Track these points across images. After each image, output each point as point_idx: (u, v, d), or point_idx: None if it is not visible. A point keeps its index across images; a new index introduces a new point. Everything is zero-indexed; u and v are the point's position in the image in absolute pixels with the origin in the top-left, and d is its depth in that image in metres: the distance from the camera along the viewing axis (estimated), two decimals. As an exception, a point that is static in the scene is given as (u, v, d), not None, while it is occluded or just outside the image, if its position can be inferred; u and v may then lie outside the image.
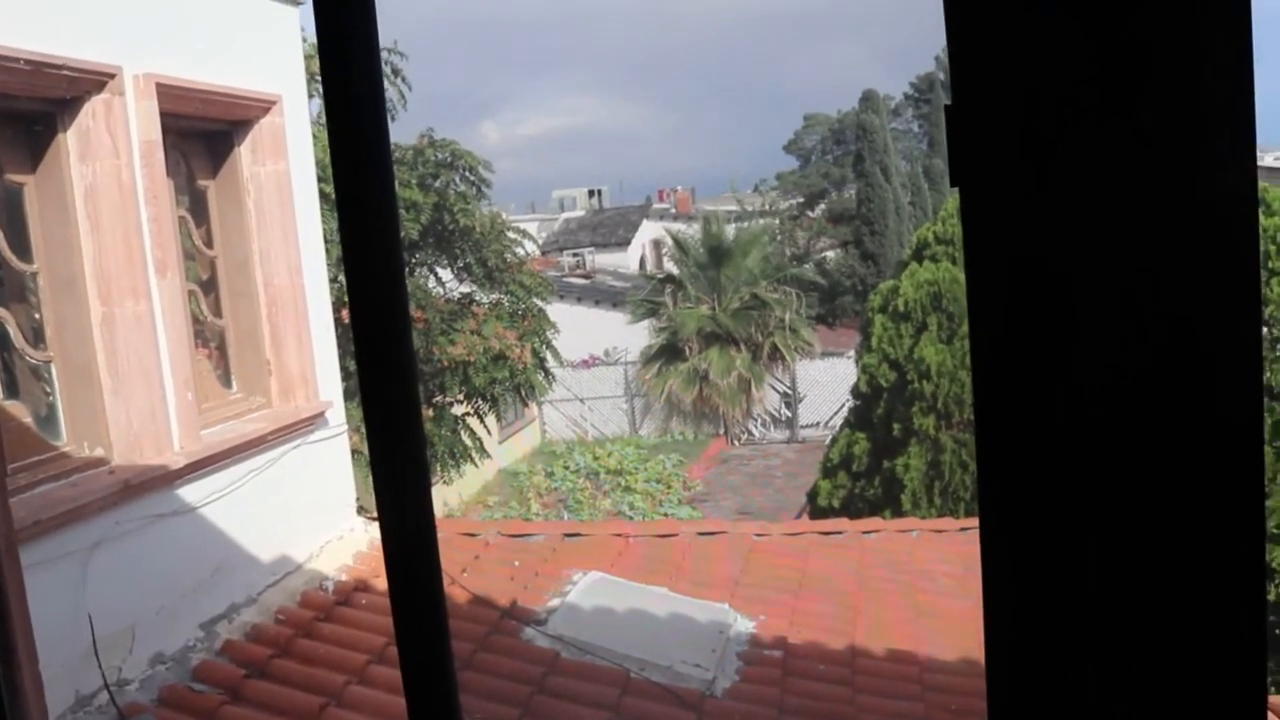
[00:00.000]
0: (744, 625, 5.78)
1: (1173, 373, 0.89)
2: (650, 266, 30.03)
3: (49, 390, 4.23)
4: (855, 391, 10.57)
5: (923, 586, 7.15)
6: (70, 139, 4.06)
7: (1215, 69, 0.87)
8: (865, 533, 7.95)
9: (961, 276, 9.22)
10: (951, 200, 10.71)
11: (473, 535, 6.35)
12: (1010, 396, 0.95)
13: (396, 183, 8.94)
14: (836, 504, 9.52)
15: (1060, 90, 0.90)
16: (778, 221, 30.73)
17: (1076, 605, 0.94)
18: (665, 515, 17.08)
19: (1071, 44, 0.89)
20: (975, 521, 7.51)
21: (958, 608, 6.79)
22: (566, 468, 20.16)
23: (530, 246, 12.70)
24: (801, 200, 35.68)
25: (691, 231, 25.74)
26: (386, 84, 9.47)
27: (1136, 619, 0.92)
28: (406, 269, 9.59)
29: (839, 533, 7.78)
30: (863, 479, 9.52)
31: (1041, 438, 0.94)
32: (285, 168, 5.17)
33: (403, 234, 8.65)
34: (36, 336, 4.17)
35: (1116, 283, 0.91)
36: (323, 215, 5.77)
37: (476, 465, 10.70)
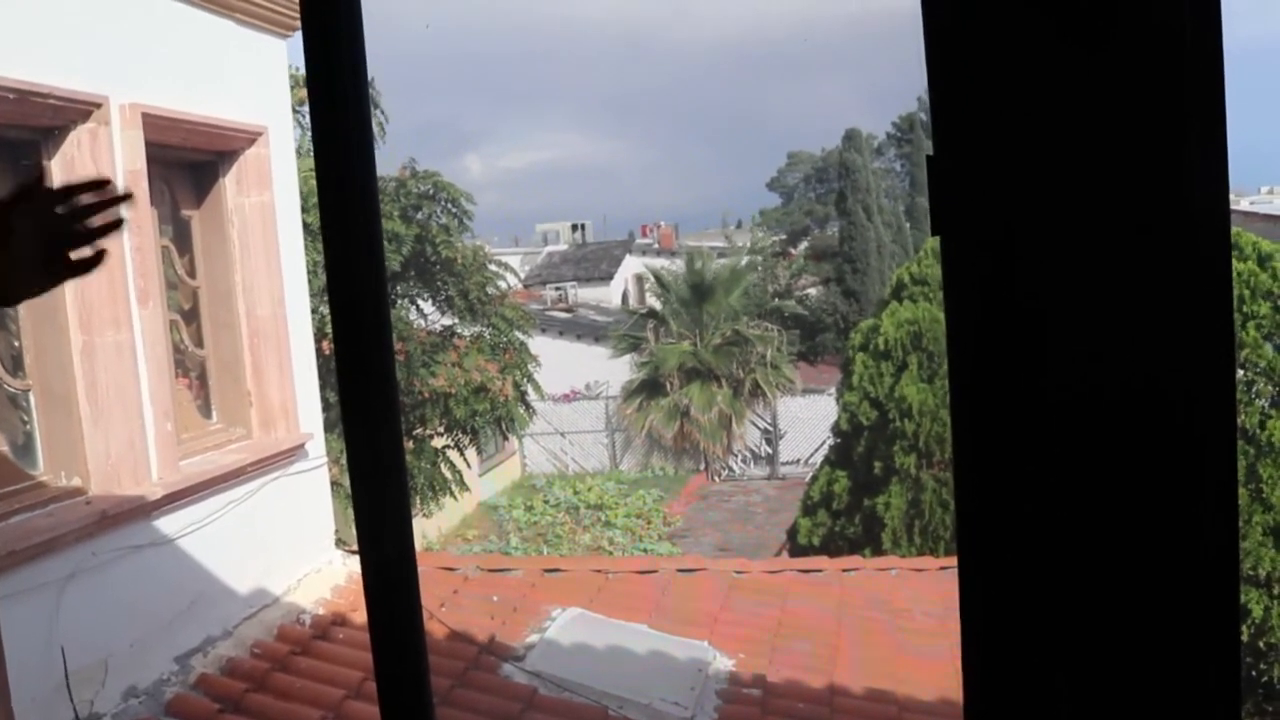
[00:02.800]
0: (723, 663, 5.76)
1: (1145, 411, 0.91)
2: (633, 301, 30.09)
3: (26, 419, 4.21)
4: (836, 429, 10.59)
5: (902, 625, 7.14)
6: (55, 168, 4.05)
7: (1193, 115, 0.89)
8: (845, 571, 7.94)
9: (941, 316, 9.26)
10: (930, 241, 10.79)
11: (452, 570, 6.32)
12: (987, 437, 0.97)
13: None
14: (817, 541, 9.52)
15: (1039, 141, 0.92)
16: (760, 258, 30.89)
17: (1052, 640, 0.95)
18: (645, 551, 17.02)
19: (1050, 97, 0.91)
20: (955, 561, 7.55)
21: (937, 647, 6.78)
22: (546, 502, 20.08)
23: (512, 279, 12.72)
24: (784, 237, 35.88)
25: (674, 267, 25.83)
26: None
27: (1111, 656, 0.93)
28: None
29: (819, 571, 7.77)
30: (843, 517, 9.52)
31: (1018, 477, 0.95)
32: (270, 199, 5.17)
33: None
34: (15, 364, 4.14)
35: (1092, 328, 0.92)
36: (306, 246, 5.77)
37: (456, 498, 10.66)
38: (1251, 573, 9.75)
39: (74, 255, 1.17)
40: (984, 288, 0.97)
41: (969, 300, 0.99)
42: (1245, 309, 9.54)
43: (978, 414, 1.01)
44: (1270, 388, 10.03)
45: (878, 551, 8.91)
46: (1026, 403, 0.97)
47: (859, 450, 9.55)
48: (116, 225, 1.21)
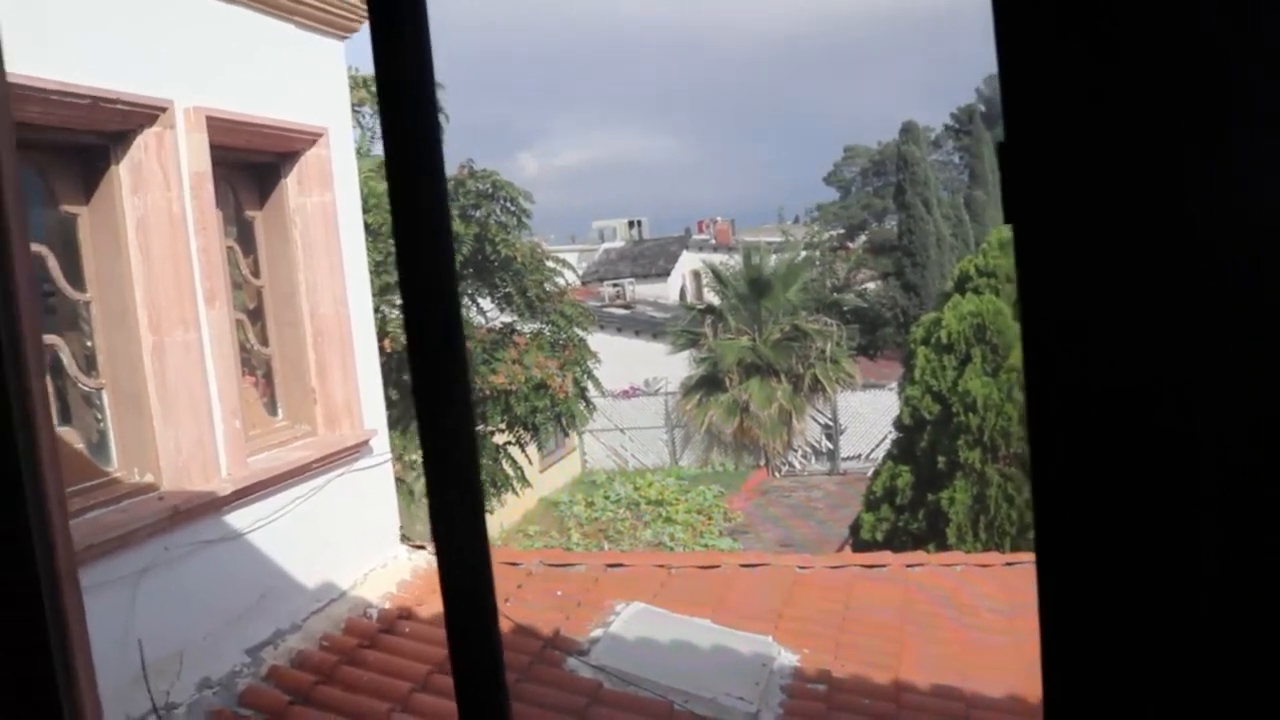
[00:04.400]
0: (787, 658, 5.73)
1: (1230, 404, 0.88)
2: (690, 297, 30.04)
3: (100, 417, 4.29)
4: (898, 424, 10.49)
5: (968, 621, 7.06)
6: (123, 171, 4.13)
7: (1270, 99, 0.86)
8: (909, 566, 7.86)
9: (1006, 308, 9.14)
10: (994, 232, 10.64)
11: (516, 564, 6.35)
12: (1065, 433, 0.94)
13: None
14: (880, 537, 9.43)
15: (1113, 128, 0.89)
16: (818, 253, 30.69)
17: (1137, 642, 0.93)
18: (706, 546, 16.98)
19: (1124, 82, 0.89)
20: (1021, 556, 7.46)
21: (1003, 643, 6.69)
22: (607, 498, 20.13)
23: (570, 276, 12.76)
24: (842, 231, 35.61)
25: (732, 262, 25.73)
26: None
27: (1199, 659, 0.91)
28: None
29: (883, 566, 7.71)
30: (906, 512, 9.42)
31: (1098, 472, 0.93)
32: (331, 199, 5.23)
33: (446, 265, 8.71)
34: (89, 364, 4.23)
35: (1172, 314, 0.90)
36: (366, 246, 5.83)
37: (518, 494, 10.71)
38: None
39: None
40: (1058, 276, 0.96)
41: (1043, 290, 0.97)
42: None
43: (1054, 406, 0.99)
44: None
45: (942, 547, 8.81)
46: (1105, 395, 0.95)
47: (922, 445, 9.45)
48: None
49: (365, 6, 4.59)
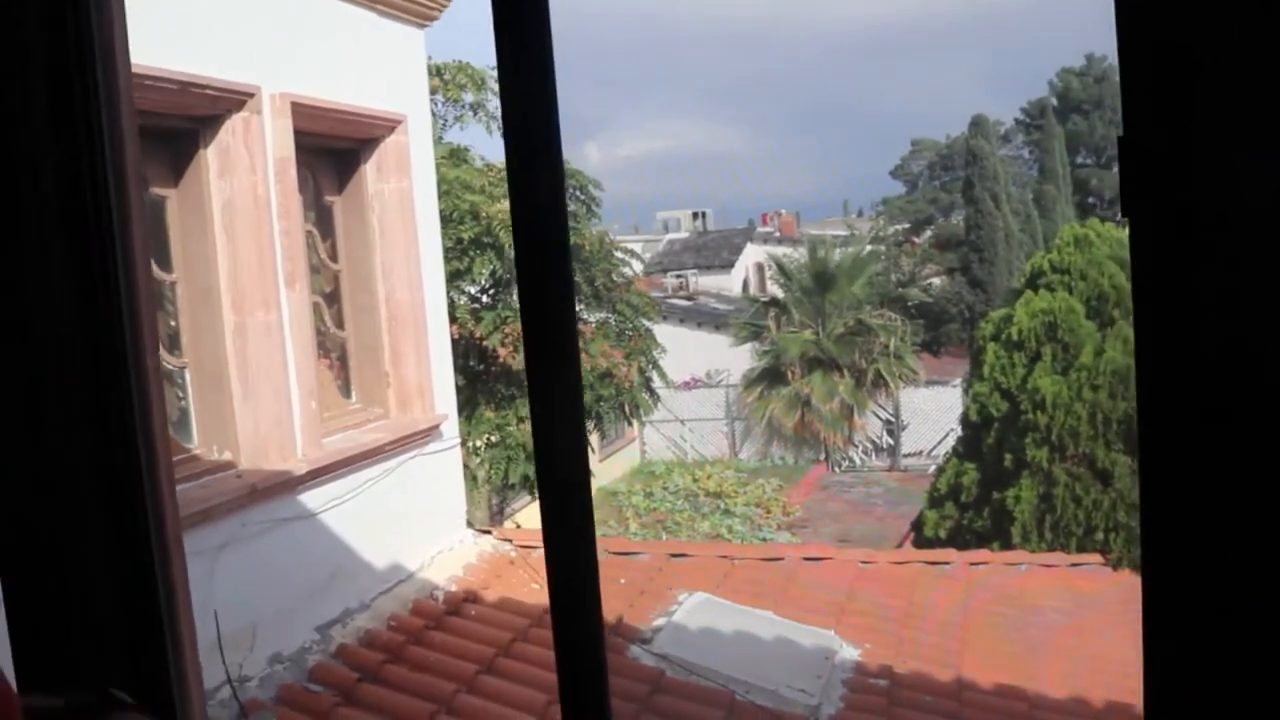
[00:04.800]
0: (849, 652, 5.72)
1: None
2: (753, 289, 29.96)
3: (182, 395, 4.40)
4: (964, 420, 10.38)
5: (1032, 621, 7.00)
6: (210, 155, 4.22)
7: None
8: (973, 564, 7.81)
9: (1078, 306, 9.00)
10: (1067, 228, 10.48)
11: (579, 551, 6.40)
12: (1181, 432, 0.94)
13: (508, 201, 9.09)
14: (943, 534, 9.37)
15: (1234, 122, 0.89)
16: (884, 247, 30.44)
17: (1242, 647, 0.92)
18: (764, 540, 16.95)
19: (1246, 79, 0.88)
20: (1086, 557, 7.33)
21: (1068, 644, 6.62)
22: (665, 489, 20.15)
23: (637, 266, 12.78)
24: (908, 226, 35.28)
25: (796, 255, 25.61)
26: (497, 103, 9.61)
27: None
28: (515, 285, 9.74)
29: (946, 563, 7.66)
30: (971, 510, 9.34)
31: (1207, 472, 0.93)
32: (408, 185, 5.30)
33: (513, 252, 8.78)
34: (172, 343, 4.34)
35: None
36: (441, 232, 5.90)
37: (581, 482, 10.79)
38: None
39: None
40: (1174, 273, 0.95)
41: (1159, 287, 0.97)
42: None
43: (1167, 408, 0.98)
44: None
45: (1006, 546, 8.73)
46: (1222, 396, 0.94)
47: (989, 442, 9.35)
48: None
49: (445, -5, 4.58)
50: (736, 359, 24.00)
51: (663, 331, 16.88)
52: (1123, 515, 8.56)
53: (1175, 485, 0.96)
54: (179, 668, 1.49)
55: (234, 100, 4.22)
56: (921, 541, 9.68)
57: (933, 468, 19.19)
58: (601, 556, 6.42)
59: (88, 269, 1.45)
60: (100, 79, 1.46)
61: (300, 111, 4.52)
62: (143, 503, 1.48)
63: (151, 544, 1.51)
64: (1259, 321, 0.89)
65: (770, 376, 22.61)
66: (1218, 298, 0.91)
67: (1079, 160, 33.57)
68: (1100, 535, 8.55)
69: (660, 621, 5.60)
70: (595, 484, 17.48)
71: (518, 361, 9.55)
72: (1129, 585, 8.08)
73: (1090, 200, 33.37)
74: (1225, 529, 0.93)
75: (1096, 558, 8.39)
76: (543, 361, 1.26)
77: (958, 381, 23.51)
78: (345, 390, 5.44)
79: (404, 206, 5.29)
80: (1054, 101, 34.33)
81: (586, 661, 1.28)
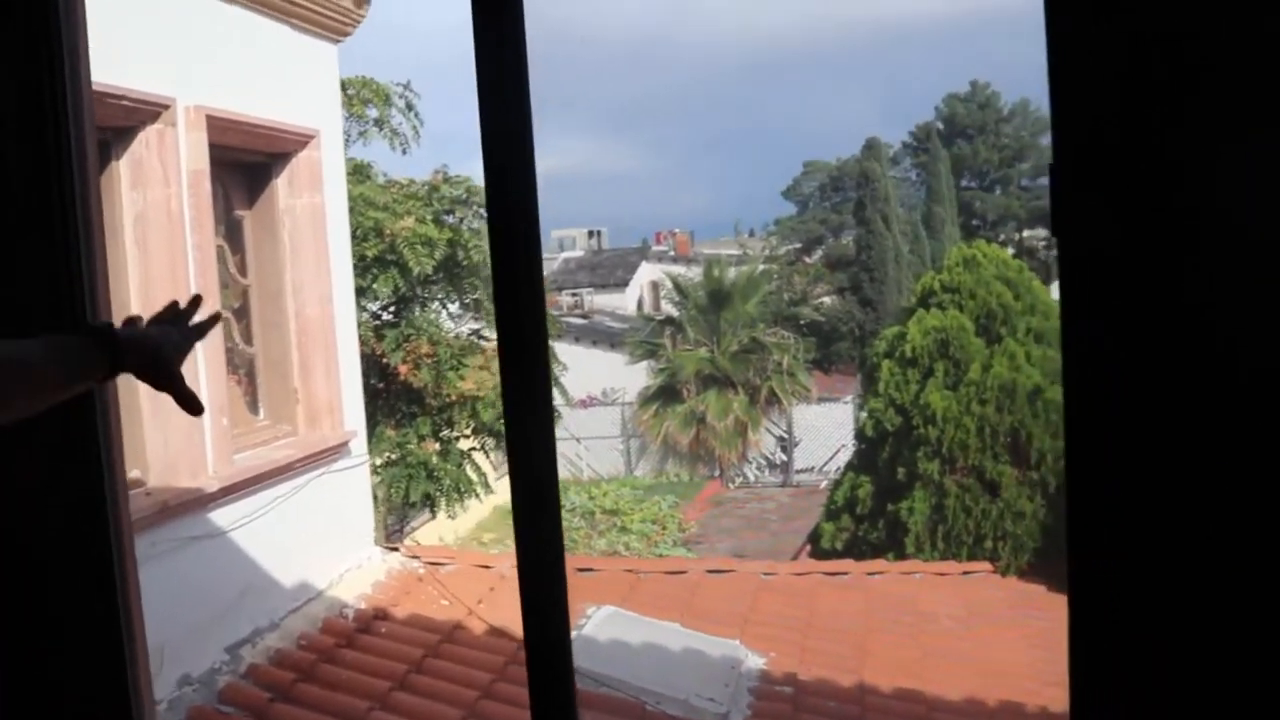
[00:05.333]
0: (755, 661, 5.85)
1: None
2: (648, 308, 30.16)
3: (89, 412, 4.32)
4: (860, 435, 10.65)
5: (927, 628, 7.23)
6: (123, 167, 4.17)
7: None
8: (870, 574, 8.04)
9: (968, 324, 9.30)
10: (956, 249, 10.86)
11: (488, 567, 6.42)
12: (1106, 445, 1.02)
13: (412, 218, 9.08)
14: (840, 546, 9.60)
15: (1156, 153, 1.00)
16: (776, 266, 30.95)
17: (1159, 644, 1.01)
18: (661, 556, 17.06)
19: (1166, 109, 0.99)
20: (977, 565, 7.57)
21: (962, 648, 6.86)
22: (562, 507, 20.10)
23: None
24: (799, 245, 35.91)
25: (691, 274, 25.89)
26: (402, 119, 9.63)
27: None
28: (420, 305, 9.71)
29: (844, 574, 7.87)
30: (866, 522, 9.59)
31: (1138, 487, 1.01)
32: (320, 201, 5.29)
33: (417, 270, 8.76)
34: (80, 359, 4.26)
35: (1217, 321, 0.99)
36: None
37: (481, 500, 10.77)
38: None
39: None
40: (1103, 291, 1.04)
41: (1086, 304, 1.05)
42: None
43: (1094, 417, 1.05)
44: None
45: (901, 556, 8.99)
46: (1149, 405, 1.01)
47: (883, 456, 9.62)
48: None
49: (359, 11, 4.62)
50: (632, 377, 24.13)
51: (559, 350, 16.93)
52: (1010, 524, 8.88)
53: (1099, 496, 1.04)
54: (134, 671, 1.53)
55: (148, 112, 4.17)
56: (819, 553, 9.90)
57: (825, 483, 19.55)
58: (507, 571, 6.44)
59: (54, 273, 1.50)
60: (69, 91, 1.51)
61: (215, 124, 4.49)
62: (105, 518, 1.52)
63: (113, 559, 1.55)
64: (1176, 336, 1.00)
65: (666, 394, 22.80)
66: (1140, 315, 1.01)
67: (964, 183, 34.62)
68: (989, 544, 8.86)
69: (570, 635, 5.65)
70: (493, 503, 17.42)
71: (419, 379, 9.52)
72: (1017, 591, 8.40)
73: (975, 222, 34.44)
74: (1146, 538, 1.01)
75: (986, 565, 8.70)
76: (517, 367, 1.33)
77: (849, 398, 23.99)
78: (253, 406, 5.39)
79: (316, 222, 5.27)
80: (940, 126, 35.35)
81: (558, 660, 1.36)
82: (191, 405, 1.41)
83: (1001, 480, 9.01)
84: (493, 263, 1.30)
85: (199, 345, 4.18)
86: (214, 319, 1.58)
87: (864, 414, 10.55)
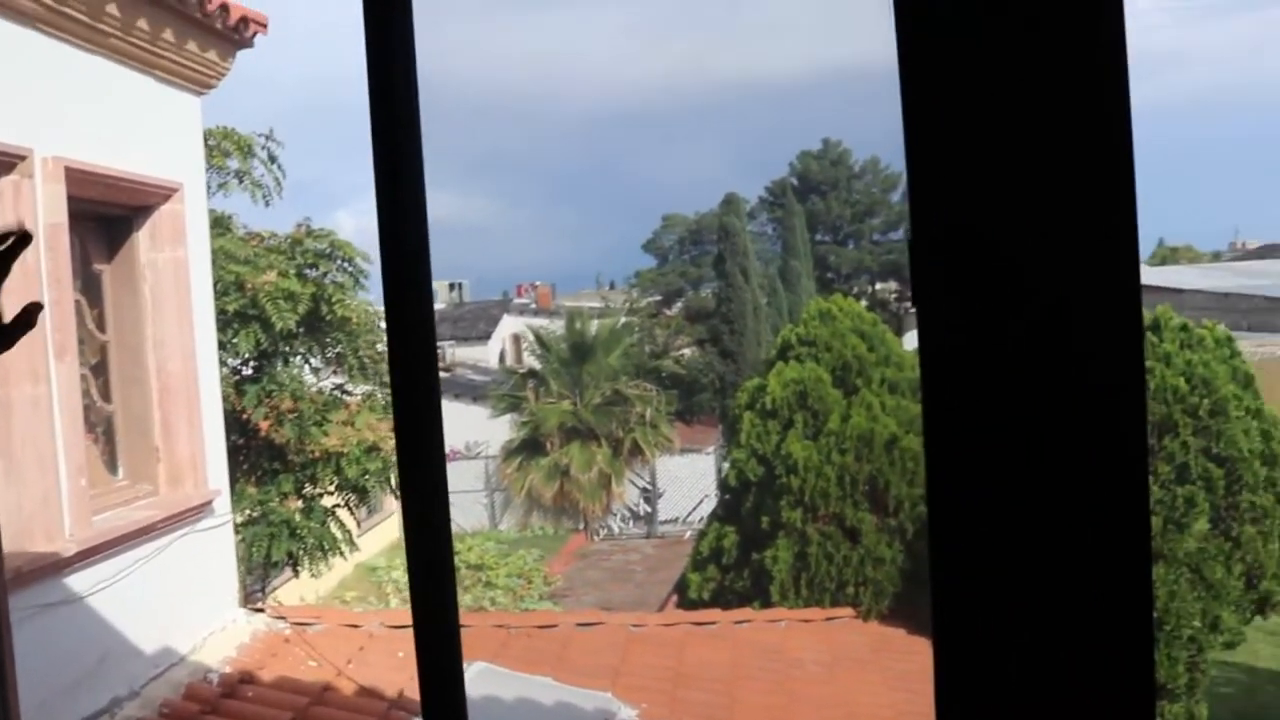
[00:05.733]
0: (627, 713, 5.88)
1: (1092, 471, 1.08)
2: (510, 361, 30.10)
3: (-64, 474, 4.13)
4: (724, 485, 10.82)
5: (794, 674, 7.38)
6: (-23, 220, 4.03)
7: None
8: (737, 623, 8.16)
9: (825, 376, 9.59)
10: (813, 303, 11.21)
11: (356, 626, 6.31)
12: (967, 515, 1.12)
13: (274, 272, 8.91)
14: (707, 596, 9.69)
15: (1012, 219, 1.11)
16: (638, 319, 31.28)
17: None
18: (528, 611, 16.96)
19: (1022, 182, 1.11)
20: (840, 611, 7.78)
21: (827, 693, 7.03)
22: (426, 563, 19.83)
23: (398, 339, 12.55)
24: (660, 298, 36.41)
25: (553, 327, 25.97)
26: (264, 171, 9.47)
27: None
28: (282, 360, 9.51)
29: (712, 623, 7.98)
30: (732, 571, 9.72)
31: (995, 538, 1.11)
32: (184, 254, 5.19)
33: (280, 325, 8.60)
34: (-73, 419, 4.08)
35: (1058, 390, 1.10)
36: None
37: (345, 558, 10.53)
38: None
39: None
40: (962, 362, 1.14)
41: (946, 375, 1.15)
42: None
43: (955, 483, 1.14)
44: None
45: (766, 604, 9.13)
46: (1001, 464, 1.11)
47: (747, 506, 9.79)
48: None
49: (224, 64, 4.62)
50: (495, 430, 24.00)
51: (422, 403, 16.72)
52: (870, 570, 9.12)
53: (961, 549, 1.13)
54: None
55: (4, 163, 4.06)
56: (687, 603, 9.98)
57: (689, 533, 19.74)
58: (376, 630, 6.35)
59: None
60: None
61: (73, 176, 4.38)
62: None
63: None
64: (1030, 402, 1.10)
65: (529, 447, 22.74)
66: (997, 380, 1.11)
67: (818, 238, 35.69)
68: (851, 590, 9.08)
69: (465, 699, 5.59)
70: (356, 559, 17.06)
71: (281, 435, 9.30)
72: (878, 635, 8.62)
73: (830, 275, 35.50)
74: (1007, 579, 1.11)
75: (849, 611, 8.91)
76: (411, 424, 1.37)
77: (710, 449, 24.32)
78: (111, 466, 5.21)
79: (179, 276, 5.17)
80: (794, 182, 36.42)
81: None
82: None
83: (862, 527, 9.26)
84: (387, 316, 1.34)
85: (54, 393, 4.02)
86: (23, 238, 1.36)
87: (727, 465, 10.72)
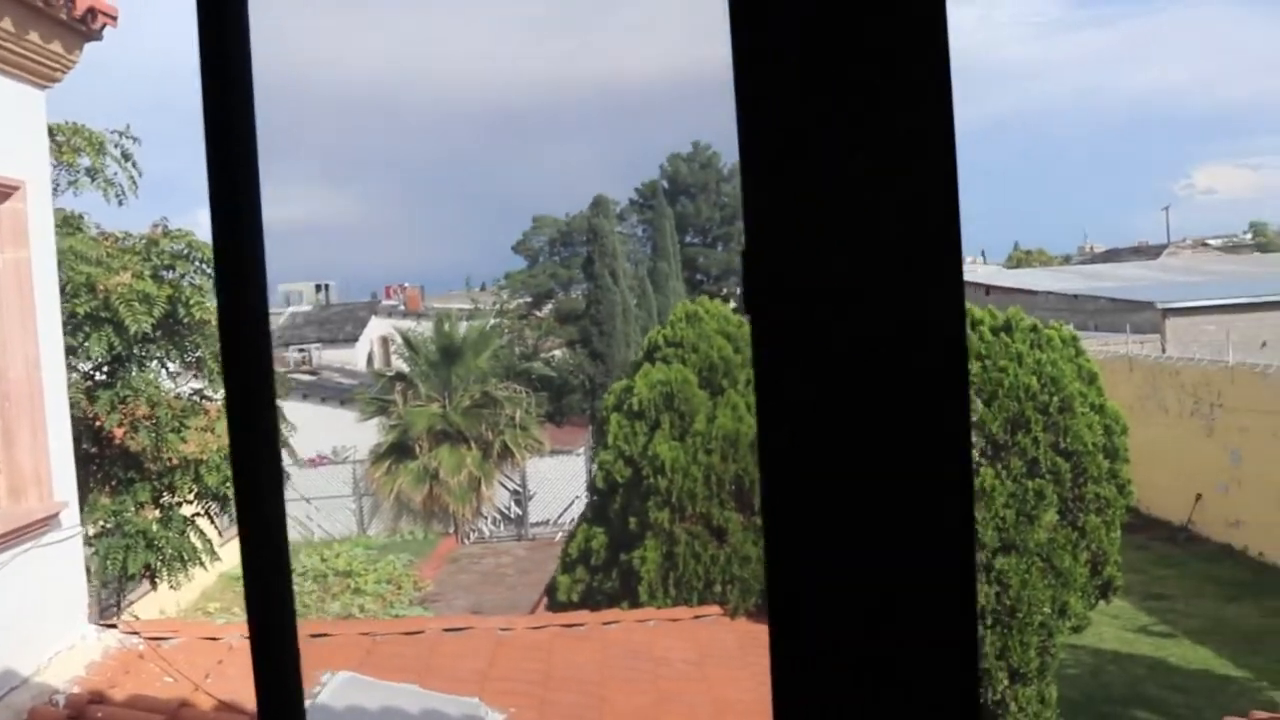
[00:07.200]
0: (495, 718, 5.86)
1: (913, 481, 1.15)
2: (379, 363, 29.64)
3: None
4: (592, 487, 10.86)
5: (662, 673, 7.45)
6: None
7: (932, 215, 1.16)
8: (606, 624, 8.20)
9: (691, 377, 9.72)
10: (680, 305, 11.34)
11: (215, 639, 6.15)
12: (800, 527, 1.18)
13: (129, 274, 8.61)
14: (576, 598, 9.71)
15: (835, 231, 1.17)
16: (507, 321, 31.16)
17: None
18: (397, 617, 16.73)
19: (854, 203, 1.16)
20: (707, 609, 7.92)
21: (695, 691, 7.13)
22: (293, 570, 19.40)
23: (260, 341, 12.23)
24: (530, 300, 36.32)
25: (421, 329, 25.69)
26: (117, 169, 9.12)
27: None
28: (137, 364, 9.19)
29: (581, 625, 8.00)
30: (601, 572, 9.76)
31: (830, 534, 1.17)
32: (26, 255, 4.98)
33: (134, 328, 8.31)
34: None
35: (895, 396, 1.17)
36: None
37: (206, 568, 10.22)
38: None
39: None
40: (795, 372, 1.19)
41: (779, 384, 1.20)
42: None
43: (789, 486, 1.20)
44: (981, 439, 11.06)
45: (635, 605, 9.21)
46: (833, 472, 1.17)
47: (615, 507, 9.85)
48: None
49: (70, 57, 4.47)
50: (363, 434, 23.63)
51: (286, 408, 16.39)
52: (736, 569, 9.28)
53: (797, 550, 1.18)
54: None
55: None
56: (556, 606, 9.99)
57: (560, 535, 19.75)
58: (235, 642, 6.19)
59: None
60: None
61: (-96, 177, 4.18)
62: None
63: None
64: (860, 410, 1.16)
65: (398, 451, 22.46)
66: (827, 394, 1.17)
67: (687, 240, 36.09)
68: (718, 588, 9.22)
69: (305, 704, 5.49)
70: (219, 569, 16.60)
71: (137, 442, 8.99)
72: (745, 632, 8.77)
73: (699, 277, 35.92)
74: (842, 588, 1.17)
75: (716, 609, 9.05)
76: (245, 427, 1.36)
77: (580, 450, 24.37)
78: (-52, 478, 4.98)
79: (21, 279, 4.96)
80: (664, 184, 36.75)
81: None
82: None
83: (728, 526, 9.41)
84: (220, 318, 1.32)
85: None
86: None
87: (595, 466, 10.77)
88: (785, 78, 1.14)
